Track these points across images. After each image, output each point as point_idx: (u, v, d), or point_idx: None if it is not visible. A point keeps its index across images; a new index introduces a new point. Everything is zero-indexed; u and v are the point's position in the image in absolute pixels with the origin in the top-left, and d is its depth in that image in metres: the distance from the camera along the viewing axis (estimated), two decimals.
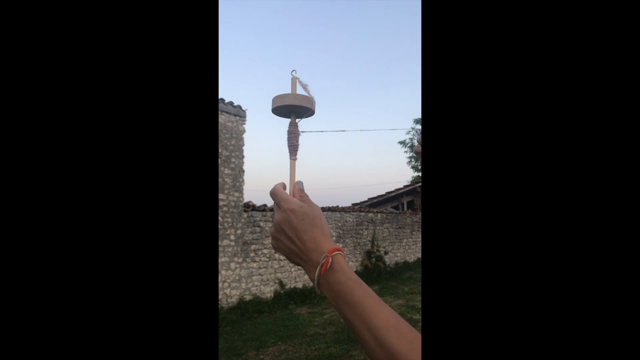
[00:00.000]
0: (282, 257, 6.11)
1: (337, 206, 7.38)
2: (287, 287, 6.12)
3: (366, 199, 11.69)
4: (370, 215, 8.18)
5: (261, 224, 5.92)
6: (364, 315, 0.41)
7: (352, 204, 10.96)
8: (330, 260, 0.45)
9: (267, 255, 5.94)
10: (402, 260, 8.94)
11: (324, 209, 7.01)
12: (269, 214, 6.05)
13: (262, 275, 5.83)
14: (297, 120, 0.58)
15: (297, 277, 6.33)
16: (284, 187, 0.53)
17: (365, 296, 0.42)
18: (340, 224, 7.40)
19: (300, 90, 0.57)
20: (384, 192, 11.70)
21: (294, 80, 0.56)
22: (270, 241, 5.68)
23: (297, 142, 0.56)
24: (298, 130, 0.57)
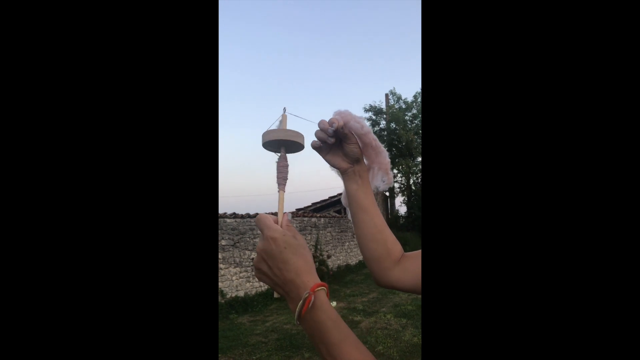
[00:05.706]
0: (222, 266, 5.88)
1: None
2: (228, 296, 5.89)
3: (310, 204, 11.75)
4: (313, 220, 8.21)
5: None
6: (338, 358, 0.41)
7: (296, 209, 10.94)
8: (312, 298, 0.43)
9: None
10: (345, 264, 9.09)
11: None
12: None
13: None
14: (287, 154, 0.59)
15: (238, 286, 6.12)
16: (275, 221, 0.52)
17: (343, 339, 0.41)
18: None
19: (290, 126, 0.59)
20: (327, 197, 11.86)
21: (285, 117, 0.58)
22: None
23: (287, 175, 0.57)
24: (287, 164, 0.58)
